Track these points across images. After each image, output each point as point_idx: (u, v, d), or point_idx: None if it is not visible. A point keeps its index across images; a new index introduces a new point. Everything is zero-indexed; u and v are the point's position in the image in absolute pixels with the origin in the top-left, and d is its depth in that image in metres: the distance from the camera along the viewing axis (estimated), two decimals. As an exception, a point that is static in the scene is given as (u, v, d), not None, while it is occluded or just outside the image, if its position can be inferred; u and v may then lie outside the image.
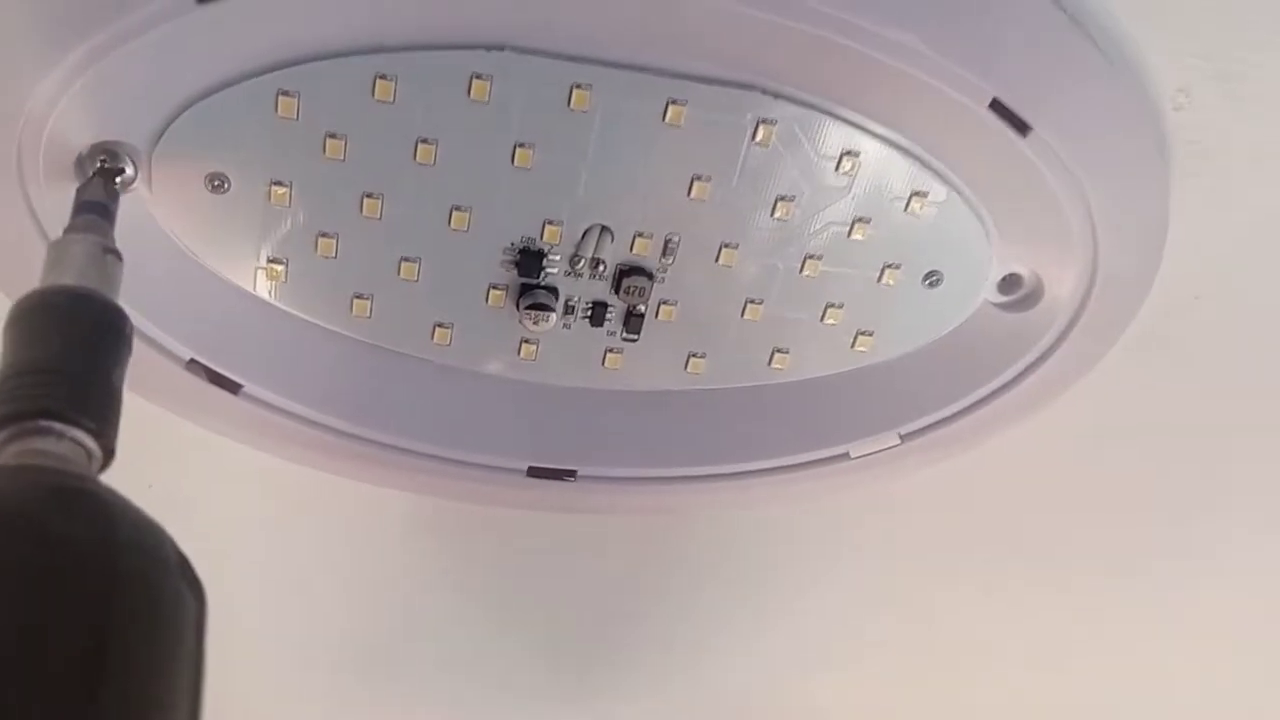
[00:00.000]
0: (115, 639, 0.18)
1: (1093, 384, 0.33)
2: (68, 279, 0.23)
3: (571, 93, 0.27)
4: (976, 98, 0.27)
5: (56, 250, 0.24)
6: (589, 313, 0.31)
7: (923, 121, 0.28)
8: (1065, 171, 0.28)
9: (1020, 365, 0.32)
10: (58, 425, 0.20)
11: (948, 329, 0.32)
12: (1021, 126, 0.27)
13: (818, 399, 0.33)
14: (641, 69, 0.27)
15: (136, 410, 0.24)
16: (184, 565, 0.20)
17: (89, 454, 0.21)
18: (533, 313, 0.30)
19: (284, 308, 0.30)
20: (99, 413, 0.21)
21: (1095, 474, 0.39)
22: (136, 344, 0.29)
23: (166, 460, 0.34)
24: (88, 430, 0.21)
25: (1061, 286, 0.31)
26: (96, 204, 0.25)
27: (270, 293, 0.30)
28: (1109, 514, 0.41)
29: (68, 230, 0.25)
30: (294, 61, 0.26)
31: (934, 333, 0.32)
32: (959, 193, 0.29)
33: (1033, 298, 0.32)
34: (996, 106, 0.27)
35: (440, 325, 0.31)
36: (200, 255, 0.29)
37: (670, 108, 0.27)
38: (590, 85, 0.27)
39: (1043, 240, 0.30)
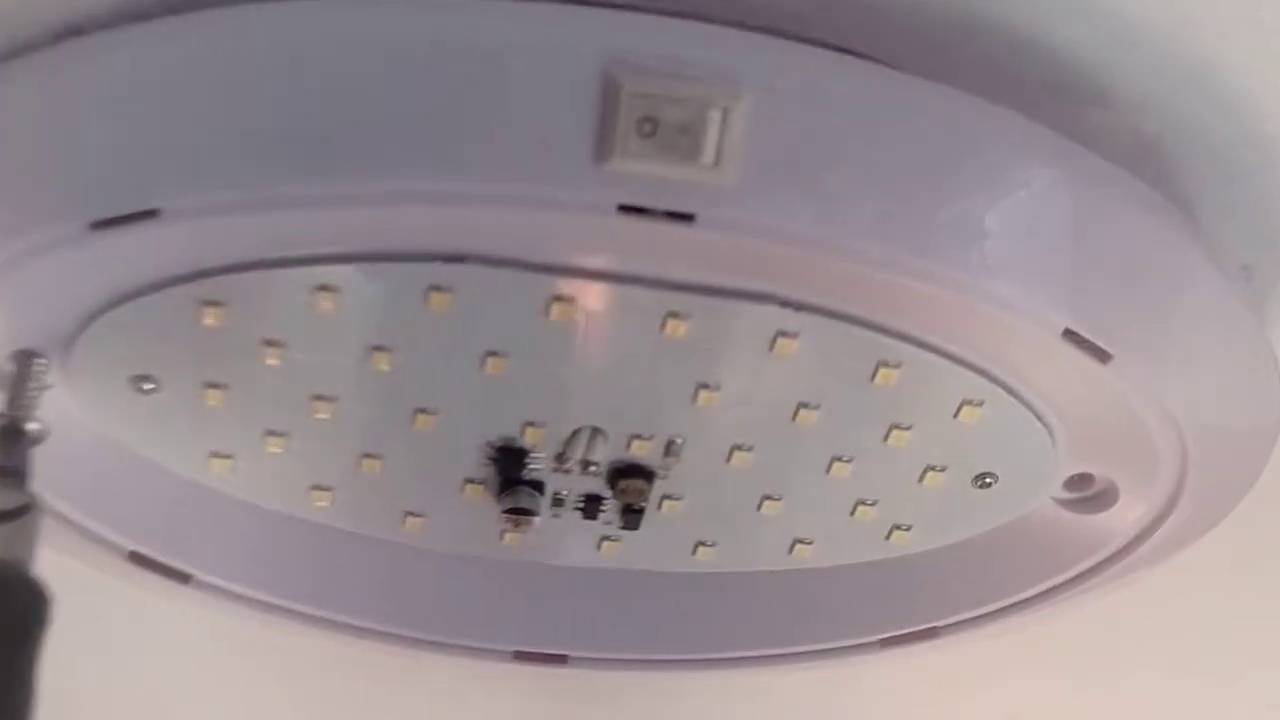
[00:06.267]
0: None
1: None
2: None
3: (550, 305, 0.22)
4: (1048, 328, 0.22)
5: None
6: (581, 505, 0.27)
7: (985, 346, 0.23)
8: (1155, 396, 0.23)
9: (1083, 566, 0.28)
10: None
11: (998, 525, 0.28)
12: (1101, 355, 0.22)
13: (843, 587, 0.29)
14: (634, 280, 0.22)
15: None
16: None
17: None
18: (514, 517, 0.26)
19: (236, 496, 0.27)
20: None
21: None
22: (73, 539, 0.26)
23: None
24: None
25: (1139, 501, 0.26)
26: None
27: (220, 483, 0.26)
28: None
29: None
30: (219, 271, 0.22)
31: (982, 527, 0.28)
32: (1026, 404, 0.24)
33: (1105, 499, 0.27)
34: (1071, 336, 0.22)
35: (412, 515, 0.27)
36: (137, 449, 0.25)
37: (669, 321, 0.22)
38: (572, 298, 0.22)
39: (1123, 458, 0.25)
